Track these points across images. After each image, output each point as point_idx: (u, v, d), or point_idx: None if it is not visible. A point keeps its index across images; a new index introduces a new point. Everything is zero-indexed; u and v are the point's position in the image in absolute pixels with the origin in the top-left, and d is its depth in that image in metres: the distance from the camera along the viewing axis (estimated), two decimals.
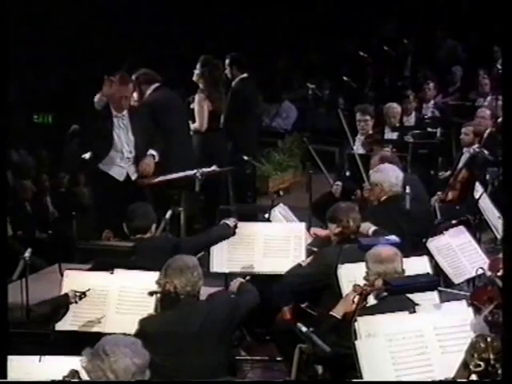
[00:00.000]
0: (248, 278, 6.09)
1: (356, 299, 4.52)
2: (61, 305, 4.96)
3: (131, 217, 5.62)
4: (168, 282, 4.55)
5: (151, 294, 4.71)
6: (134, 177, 7.05)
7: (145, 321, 4.52)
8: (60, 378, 3.53)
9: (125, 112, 6.97)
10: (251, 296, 4.92)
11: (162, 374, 4.27)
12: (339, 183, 8.25)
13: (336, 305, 4.86)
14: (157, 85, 7.63)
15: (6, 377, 3.72)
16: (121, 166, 7.00)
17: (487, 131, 8.67)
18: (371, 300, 4.62)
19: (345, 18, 13.53)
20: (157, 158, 7.09)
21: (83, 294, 4.95)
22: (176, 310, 4.55)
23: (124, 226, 5.64)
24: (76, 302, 4.94)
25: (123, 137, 6.97)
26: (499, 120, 9.33)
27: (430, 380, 3.98)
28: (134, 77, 7.49)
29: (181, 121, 7.82)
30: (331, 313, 4.80)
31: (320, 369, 5.16)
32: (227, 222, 5.93)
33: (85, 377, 3.39)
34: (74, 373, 3.40)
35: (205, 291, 5.69)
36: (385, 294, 4.53)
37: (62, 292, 5.10)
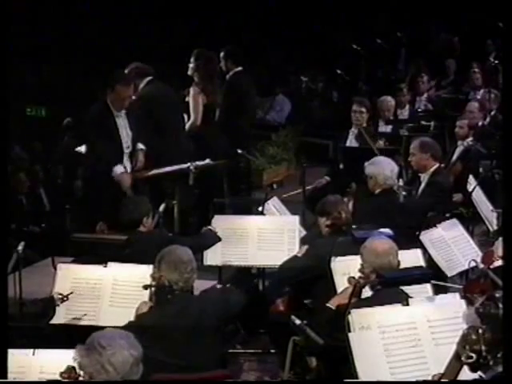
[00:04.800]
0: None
1: (350, 291, 4.54)
2: (48, 306, 4.97)
3: (122, 210, 5.63)
4: (162, 275, 4.55)
5: (146, 287, 4.70)
6: (129, 171, 7.06)
7: (141, 316, 4.53)
8: (54, 371, 3.54)
9: (123, 110, 6.99)
10: (239, 298, 4.93)
11: (158, 368, 4.29)
12: (327, 177, 8.30)
13: (331, 297, 4.87)
14: (149, 78, 7.62)
15: (5, 374, 3.72)
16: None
17: (478, 124, 8.70)
18: (368, 293, 4.63)
19: (338, 11, 13.52)
20: (144, 152, 7.09)
21: (66, 297, 4.95)
22: (171, 304, 4.55)
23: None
24: (58, 305, 4.93)
25: (124, 134, 6.99)
26: (492, 113, 9.36)
27: (422, 372, 3.99)
28: (126, 71, 7.48)
29: (174, 114, 7.80)
30: (327, 304, 4.80)
31: (314, 361, 5.17)
32: (210, 228, 5.94)
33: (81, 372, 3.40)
34: (71, 369, 3.41)
35: (198, 284, 5.71)
36: (379, 286, 4.55)
37: (55, 286, 5.11)
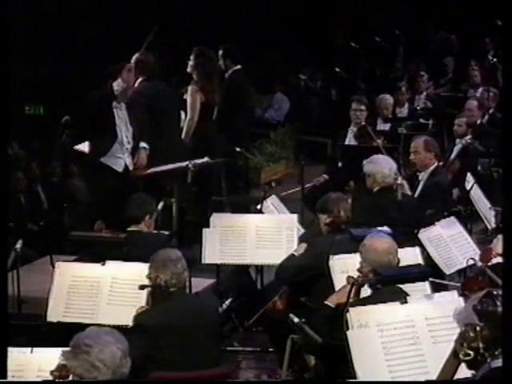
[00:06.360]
0: None
1: (348, 289, 4.53)
2: None
3: (126, 206, 5.64)
4: (158, 275, 4.56)
5: (142, 287, 4.71)
6: (131, 167, 7.07)
7: (140, 315, 4.54)
8: (52, 369, 3.53)
9: (123, 103, 6.99)
10: None
11: (157, 366, 4.31)
12: (325, 176, 8.31)
13: (329, 295, 4.87)
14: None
15: (5, 374, 3.72)
16: (120, 156, 7.01)
17: (477, 122, 8.71)
18: (368, 291, 4.62)
19: (336, 9, 13.52)
20: (147, 151, 7.12)
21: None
22: (168, 302, 4.56)
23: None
24: None
25: (123, 128, 6.99)
26: (490, 111, 9.36)
27: (421, 370, 4.00)
28: (133, 59, 7.49)
29: (171, 111, 7.80)
30: (326, 302, 4.80)
31: (312, 360, 5.17)
32: None
33: None
34: (62, 367, 3.41)
35: (197, 283, 5.72)
36: (379, 285, 4.54)
37: (53, 284, 5.11)
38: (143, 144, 7.11)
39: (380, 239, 4.77)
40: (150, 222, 5.67)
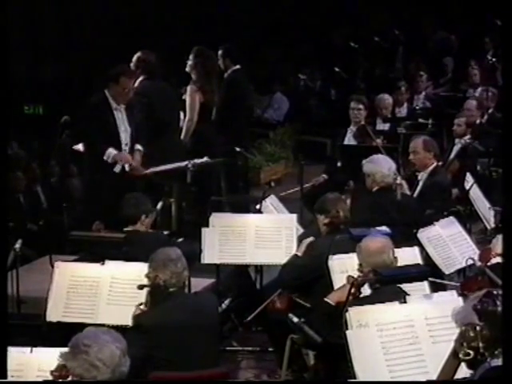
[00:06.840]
0: None
1: (347, 289, 4.54)
2: None
3: (122, 206, 5.64)
4: (157, 275, 4.57)
5: (141, 287, 4.71)
6: (127, 168, 7.06)
7: (139, 315, 4.54)
8: (52, 369, 3.54)
9: (122, 104, 6.99)
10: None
11: (159, 367, 4.32)
12: (325, 175, 8.32)
13: (329, 294, 4.87)
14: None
15: (5, 374, 3.73)
16: None
17: (476, 122, 8.72)
18: (367, 291, 4.63)
19: (336, 9, 13.52)
20: (142, 153, 7.12)
21: None
22: (168, 302, 4.57)
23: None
24: None
25: (122, 129, 6.99)
26: (490, 111, 9.37)
27: (420, 370, 4.00)
28: (135, 58, 7.48)
29: (170, 111, 7.80)
30: (325, 299, 4.80)
31: (312, 359, 5.18)
32: None
33: None
34: (62, 367, 3.41)
35: (196, 283, 5.72)
36: (378, 285, 4.55)
37: (53, 284, 5.11)
38: (138, 146, 7.10)
39: (373, 239, 4.78)
40: (147, 221, 5.67)
